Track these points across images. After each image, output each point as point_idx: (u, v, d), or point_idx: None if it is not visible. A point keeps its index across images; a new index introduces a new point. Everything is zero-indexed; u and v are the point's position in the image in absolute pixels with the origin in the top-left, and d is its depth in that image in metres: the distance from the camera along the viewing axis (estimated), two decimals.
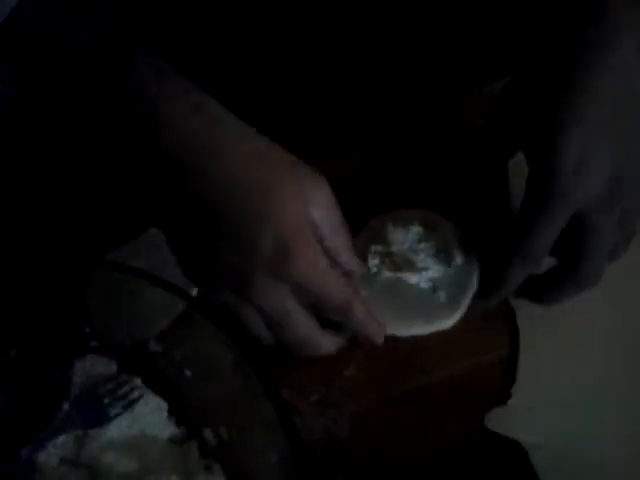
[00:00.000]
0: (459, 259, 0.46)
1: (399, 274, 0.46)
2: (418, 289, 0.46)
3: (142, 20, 0.54)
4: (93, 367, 0.42)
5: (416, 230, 0.47)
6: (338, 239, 0.40)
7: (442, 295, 0.46)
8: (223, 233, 0.37)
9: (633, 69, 0.39)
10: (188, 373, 0.42)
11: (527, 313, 0.45)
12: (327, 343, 0.40)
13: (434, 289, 0.46)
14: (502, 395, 0.44)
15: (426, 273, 0.46)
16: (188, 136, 0.37)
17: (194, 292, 0.49)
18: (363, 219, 0.51)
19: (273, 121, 0.51)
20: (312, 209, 0.38)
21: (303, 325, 0.38)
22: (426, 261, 0.46)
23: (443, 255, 0.46)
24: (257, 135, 0.38)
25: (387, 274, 0.46)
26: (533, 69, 0.42)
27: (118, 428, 0.41)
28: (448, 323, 0.45)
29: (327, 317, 0.40)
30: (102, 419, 0.41)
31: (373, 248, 0.47)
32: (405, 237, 0.46)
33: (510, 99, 0.44)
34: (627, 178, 0.39)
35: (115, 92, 0.37)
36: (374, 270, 0.47)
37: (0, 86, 0.49)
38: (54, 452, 0.39)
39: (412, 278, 0.46)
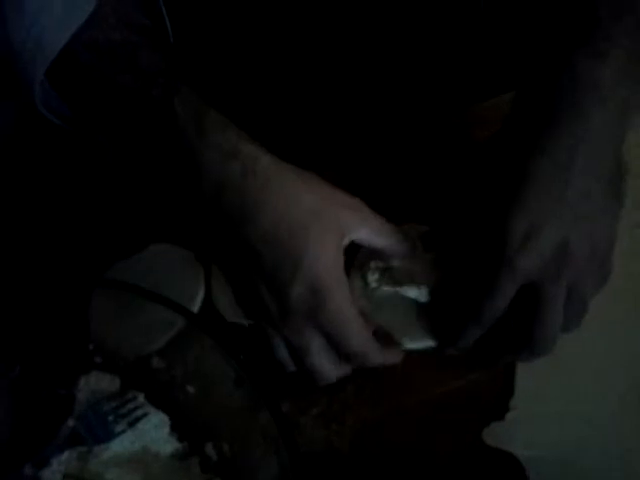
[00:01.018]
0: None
1: (398, 288, 0.46)
2: (418, 303, 0.47)
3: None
4: (97, 384, 0.43)
5: (414, 245, 0.47)
6: (385, 241, 0.43)
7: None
8: (263, 275, 0.40)
9: (594, 140, 0.40)
10: (190, 389, 0.43)
11: None
12: (340, 374, 0.43)
13: (434, 303, 0.46)
14: (500, 409, 0.44)
15: (425, 287, 0.46)
16: (225, 183, 0.39)
17: (195, 309, 0.49)
18: None
19: (276, 130, 0.52)
20: (352, 234, 0.41)
21: (321, 360, 0.41)
22: (426, 275, 0.46)
23: (443, 269, 0.47)
24: (291, 171, 0.41)
25: (386, 289, 0.47)
26: (510, 128, 0.43)
27: (121, 444, 0.41)
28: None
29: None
30: (106, 436, 0.41)
31: (373, 264, 0.48)
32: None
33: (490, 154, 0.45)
34: (575, 248, 0.39)
35: (157, 134, 0.40)
36: (374, 285, 0.47)
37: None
38: (58, 468, 0.40)
39: (411, 292, 0.46)
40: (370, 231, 0.42)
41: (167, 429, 0.43)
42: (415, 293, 0.46)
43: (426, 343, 0.45)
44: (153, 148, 0.42)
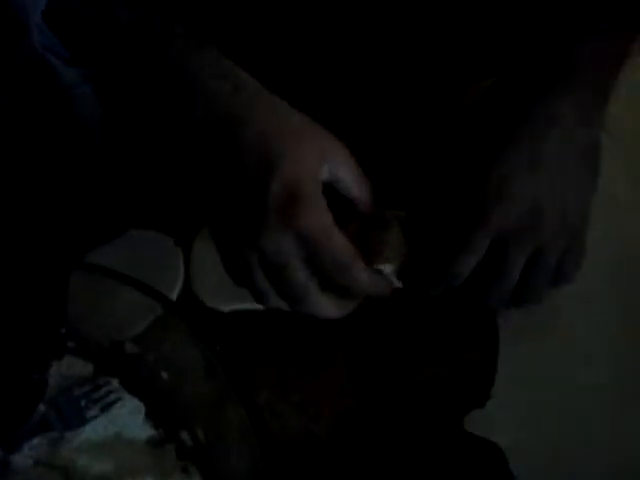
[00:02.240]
0: None
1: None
2: None
3: None
4: (70, 368, 0.42)
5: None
6: (359, 191, 0.42)
7: None
8: (244, 181, 0.39)
9: (576, 121, 0.42)
10: (164, 375, 0.42)
11: (507, 315, 0.45)
12: (327, 305, 0.41)
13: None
14: (481, 397, 0.43)
15: (391, 265, 0.45)
16: (216, 99, 0.40)
17: (174, 294, 0.49)
18: (347, 220, 0.51)
19: None
20: (331, 163, 0.40)
21: (302, 279, 0.39)
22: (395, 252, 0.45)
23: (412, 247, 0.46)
24: (289, 108, 0.41)
25: None
26: (496, 94, 0.45)
27: (94, 430, 0.41)
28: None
29: (330, 278, 0.40)
30: (79, 421, 0.41)
31: None
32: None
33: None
34: (547, 213, 0.40)
35: (158, 62, 0.41)
36: None
37: None
38: (29, 454, 0.39)
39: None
40: (349, 171, 0.41)
41: (142, 415, 0.42)
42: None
43: None
44: (150, 74, 0.42)
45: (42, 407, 0.41)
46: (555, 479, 0.41)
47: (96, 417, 0.41)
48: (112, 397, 0.42)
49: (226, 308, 0.49)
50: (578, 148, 0.42)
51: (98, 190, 0.52)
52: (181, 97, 0.41)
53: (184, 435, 0.42)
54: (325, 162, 0.40)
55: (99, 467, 0.39)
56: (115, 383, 0.42)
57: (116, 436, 0.41)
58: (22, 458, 0.39)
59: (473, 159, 0.43)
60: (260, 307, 0.49)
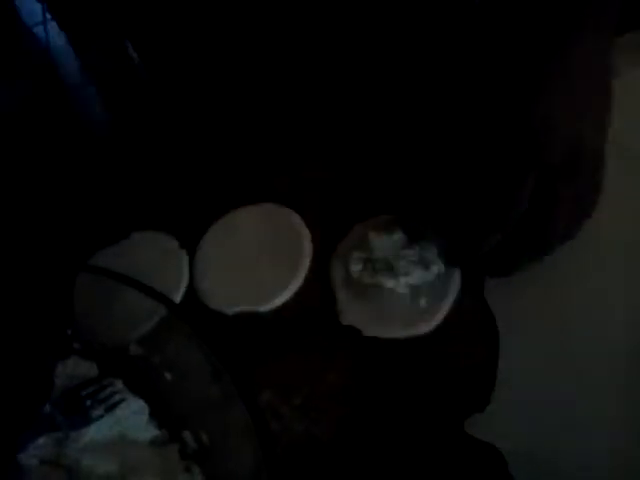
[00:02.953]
0: (439, 266, 0.46)
1: (379, 278, 0.46)
2: (399, 294, 0.47)
3: (143, 19, 0.55)
4: (75, 369, 0.42)
5: (397, 237, 0.47)
6: None
7: (423, 301, 0.46)
8: None
9: (597, 58, 0.42)
10: (168, 377, 0.43)
11: (507, 318, 0.45)
12: None
13: (415, 295, 0.46)
14: (482, 401, 0.44)
15: (405, 279, 0.46)
16: None
17: (178, 297, 0.49)
18: (350, 223, 0.51)
19: (267, 118, 0.51)
20: None
21: None
22: (407, 267, 0.46)
23: (424, 262, 0.47)
24: None
25: (368, 279, 0.47)
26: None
27: (99, 430, 0.41)
28: (427, 328, 0.45)
29: None
30: (83, 421, 0.41)
31: (356, 254, 0.48)
32: (387, 244, 0.47)
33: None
34: (586, 154, 0.41)
35: None
36: (356, 275, 0.47)
37: None
38: (34, 453, 0.40)
39: (390, 283, 0.46)
40: None
41: (146, 416, 0.43)
42: (394, 284, 0.46)
43: (406, 332, 0.45)
44: None
45: (48, 407, 0.41)
46: None
47: (101, 417, 0.41)
48: (116, 398, 0.42)
49: (230, 310, 0.50)
50: (601, 84, 0.42)
51: (103, 192, 0.53)
52: None
53: (187, 435, 0.42)
54: None
55: (104, 467, 0.40)
56: (119, 384, 0.43)
57: (120, 436, 0.41)
58: (27, 458, 0.40)
59: (507, 100, 0.42)
60: (263, 310, 0.50)
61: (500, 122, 0.43)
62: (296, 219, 0.52)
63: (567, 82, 0.41)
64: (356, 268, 0.47)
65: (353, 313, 0.47)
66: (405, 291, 0.46)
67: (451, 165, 0.47)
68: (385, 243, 0.47)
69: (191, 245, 0.52)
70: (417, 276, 0.46)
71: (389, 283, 0.46)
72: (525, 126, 0.41)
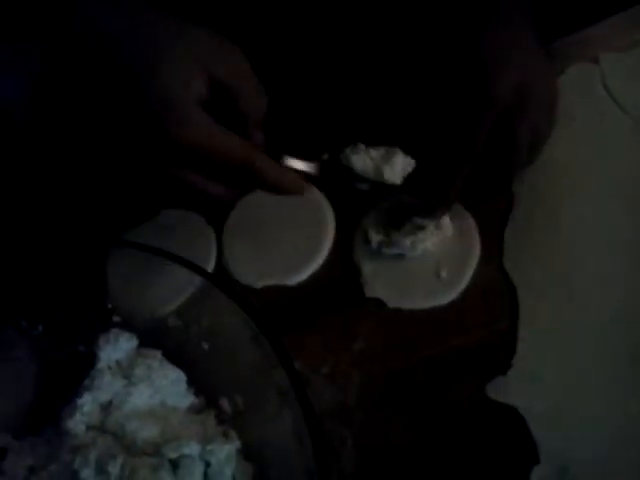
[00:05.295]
0: (452, 229, 0.49)
1: (397, 245, 0.49)
2: (421, 266, 0.48)
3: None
4: (116, 341, 0.44)
5: (376, 154, 0.46)
6: (246, 103, 0.41)
7: (444, 272, 0.48)
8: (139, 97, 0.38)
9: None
10: (205, 346, 0.44)
11: (528, 288, 0.47)
12: (216, 189, 0.41)
13: (436, 266, 0.48)
14: (503, 366, 0.45)
15: (423, 244, 0.48)
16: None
17: (210, 268, 0.51)
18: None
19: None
20: (213, 68, 0.39)
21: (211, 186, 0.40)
22: (424, 234, 0.48)
23: (440, 227, 0.49)
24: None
25: (389, 250, 0.49)
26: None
27: (141, 398, 0.43)
28: (448, 298, 0.47)
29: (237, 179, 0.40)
30: (126, 390, 0.43)
31: (375, 225, 0.50)
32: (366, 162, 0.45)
33: None
34: (535, 90, 0.46)
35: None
36: (377, 246, 0.49)
37: None
38: (81, 419, 0.41)
39: (408, 248, 0.48)
40: (235, 77, 0.40)
41: (184, 385, 0.45)
42: (411, 248, 0.48)
43: (428, 303, 0.48)
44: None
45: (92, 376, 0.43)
46: (575, 444, 0.42)
47: (143, 387, 0.43)
48: (155, 367, 0.44)
49: (258, 284, 0.51)
50: (536, 40, 0.48)
51: (132, 171, 0.54)
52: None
53: (223, 402, 0.44)
54: (202, 68, 0.38)
55: (147, 432, 0.41)
56: (159, 355, 0.44)
57: (161, 404, 0.43)
58: (74, 424, 0.41)
59: (461, 42, 0.47)
60: (289, 283, 0.51)
61: (457, 63, 0.47)
62: (320, 194, 0.54)
63: (510, 29, 0.47)
64: (377, 238, 0.49)
65: (377, 285, 0.49)
66: (426, 263, 0.48)
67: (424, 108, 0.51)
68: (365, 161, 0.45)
69: (218, 221, 0.53)
70: (435, 241, 0.48)
71: (409, 250, 0.48)
72: (479, 62, 0.45)
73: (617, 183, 0.49)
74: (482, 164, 0.47)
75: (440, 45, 0.51)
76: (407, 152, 0.44)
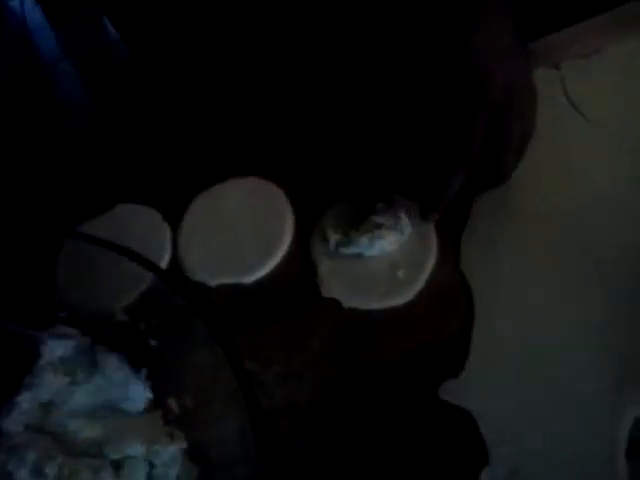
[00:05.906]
0: (410, 229, 0.49)
1: (356, 245, 0.48)
2: (377, 266, 0.48)
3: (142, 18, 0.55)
4: (60, 337, 0.43)
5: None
6: None
7: (400, 273, 0.48)
8: None
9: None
10: (154, 343, 0.43)
11: (483, 288, 0.47)
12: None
13: (393, 267, 0.48)
14: (456, 368, 0.45)
15: (380, 242, 0.48)
16: None
17: (164, 265, 0.50)
18: (332, 198, 0.52)
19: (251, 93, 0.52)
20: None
21: None
22: (381, 233, 0.48)
23: (398, 227, 0.48)
24: None
25: (347, 250, 0.48)
26: None
27: (84, 398, 0.41)
28: (404, 299, 0.47)
29: None
30: (69, 388, 0.42)
31: (334, 225, 0.49)
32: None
33: None
34: (522, 89, 0.47)
35: None
36: (335, 246, 0.49)
37: None
38: (19, 418, 0.40)
39: (367, 248, 0.48)
40: None
41: (130, 384, 0.43)
42: (370, 249, 0.48)
43: (385, 303, 0.47)
44: None
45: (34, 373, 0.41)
46: (525, 447, 0.42)
47: (86, 384, 0.42)
48: (101, 364, 0.43)
49: (213, 282, 0.51)
50: (518, 42, 0.48)
51: (87, 165, 0.53)
52: None
53: (171, 402, 0.43)
54: None
55: (89, 433, 0.40)
56: (105, 352, 0.43)
57: (105, 403, 0.42)
58: (12, 423, 0.40)
59: (446, 45, 0.48)
60: (245, 281, 0.51)
61: (445, 67, 0.48)
62: (279, 193, 0.53)
63: (492, 28, 0.47)
64: (335, 237, 0.49)
65: (333, 285, 0.49)
66: (383, 263, 0.47)
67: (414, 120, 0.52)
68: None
69: (174, 218, 0.52)
70: (392, 240, 0.48)
71: (366, 249, 0.47)
72: (469, 65, 0.46)
73: (576, 190, 0.50)
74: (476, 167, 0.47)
75: (427, 49, 0.52)
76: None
